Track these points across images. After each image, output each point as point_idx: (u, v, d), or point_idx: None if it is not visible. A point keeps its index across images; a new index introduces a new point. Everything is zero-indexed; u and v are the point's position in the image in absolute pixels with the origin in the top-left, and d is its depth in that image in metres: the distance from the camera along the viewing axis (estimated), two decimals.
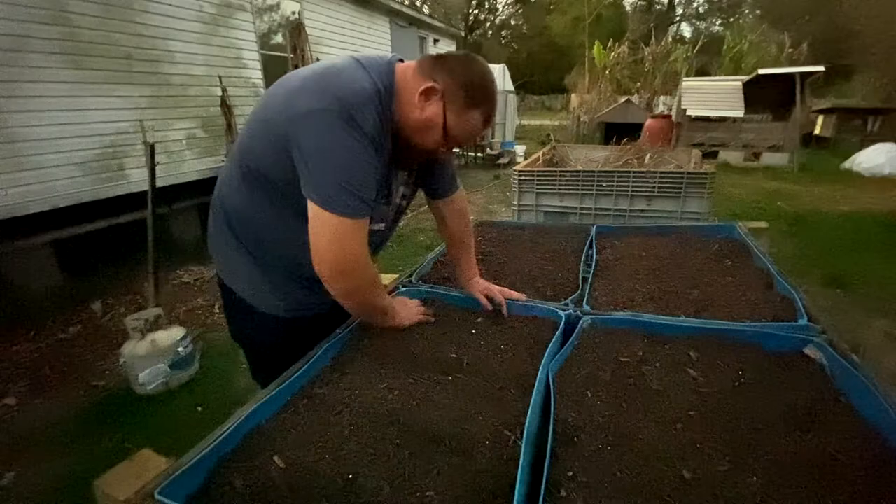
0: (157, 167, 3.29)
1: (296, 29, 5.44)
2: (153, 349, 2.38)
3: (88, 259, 3.72)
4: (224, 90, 4.48)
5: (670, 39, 14.89)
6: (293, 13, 5.77)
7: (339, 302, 0.97)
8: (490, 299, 1.19)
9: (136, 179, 3.88)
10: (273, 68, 5.39)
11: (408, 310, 1.12)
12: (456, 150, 1.11)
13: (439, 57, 0.93)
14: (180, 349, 2.47)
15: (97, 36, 3.58)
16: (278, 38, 5.73)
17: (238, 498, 0.66)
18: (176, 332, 2.51)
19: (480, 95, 0.91)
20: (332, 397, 0.88)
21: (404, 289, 1.31)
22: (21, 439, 2.16)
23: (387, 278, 1.48)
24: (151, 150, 3.17)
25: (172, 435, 2.12)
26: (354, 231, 0.87)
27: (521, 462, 0.66)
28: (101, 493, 0.65)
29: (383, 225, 1.08)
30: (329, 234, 0.85)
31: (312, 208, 0.85)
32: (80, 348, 2.94)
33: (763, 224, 1.75)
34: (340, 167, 0.83)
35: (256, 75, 5.24)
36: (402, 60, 0.96)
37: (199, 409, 2.34)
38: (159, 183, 3.39)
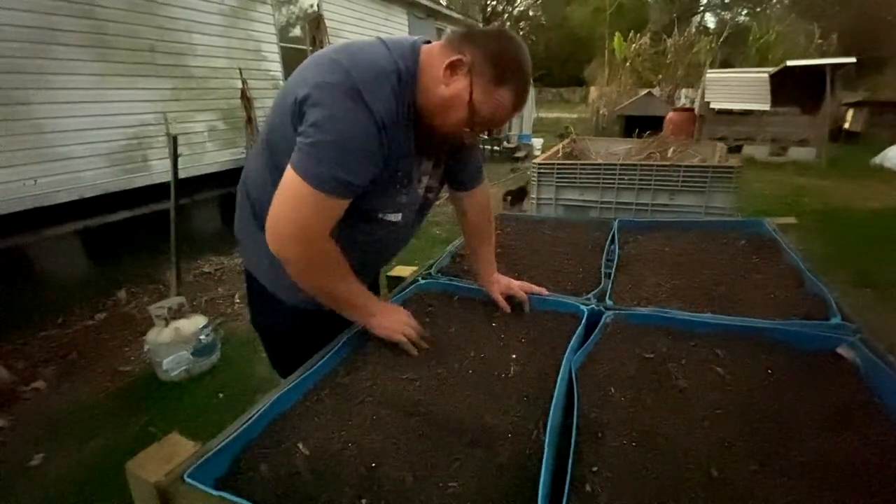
0: (179, 159, 3.35)
1: (315, 21, 5.45)
2: (176, 337, 2.43)
3: (113, 248, 3.82)
4: (244, 82, 4.52)
5: (694, 30, 14.54)
6: (312, 5, 5.79)
7: (301, 286, 0.91)
8: (510, 298, 1.17)
9: (159, 171, 3.97)
10: (292, 61, 5.43)
11: (390, 319, 0.99)
12: (481, 135, 1.01)
13: (470, 30, 0.88)
14: (202, 337, 2.52)
15: (122, 29, 3.65)
16: (297, 31, 5.76)
17: (264, 483, 0.67)
18: (198, 321, 2.56)
19: (512, 72, 0.84)
20: (354, 387, 0.88)
21: (424, 282, 1.31)
22: (50, 422, 2.24)
23: (405, 271, 1.48)
24: (174, 142, 3.23)
25: (195, 420, 2.18)
26: (317, 203, 0.80)
27: (545, 456, 0.65)
28: (133, 475, 0.66)
29: (399, 216, 1.00)
30: (289, 195, 0.81)
31: (287, 169, 0.81)
32: (107, 335, 3.03)
33: (791, 220, 1.69)
34: (330, 140, 0.78)
35: (276, 68, 5.28)
36: (429, 42, 0.91)
37: (221, 395, 2.39)
38: (181, 174, 3.46)
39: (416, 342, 0.98)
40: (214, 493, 0.62)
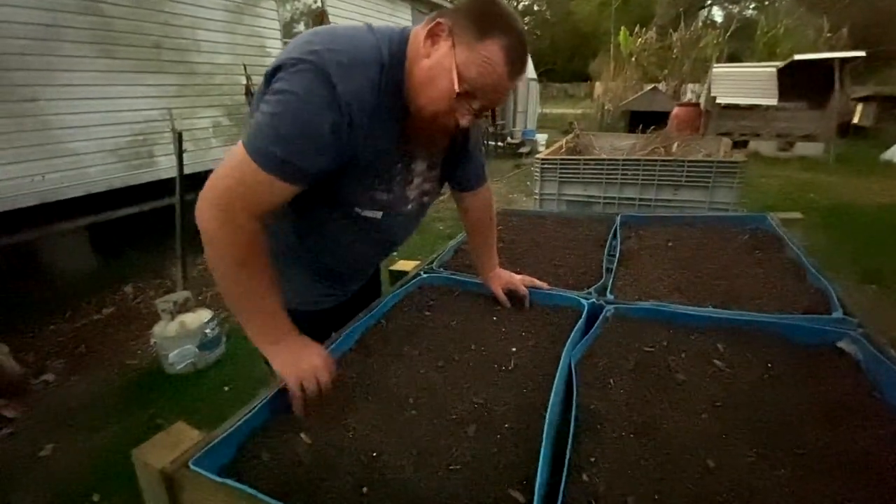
0: (184, 154, 3.37)
1: (318, 17, 5.46)
2: (182, 330, 2.46)
3: (120, 244, 3.86)
4: (248, 78, 4.53)
5: (700, 24, 14.38)
6: (315, 1, 5.79)
7: (214, 275, 0.80)
8: (512, 293, 1.17)
9: (165, 166, 3.99)
10: None
11: (298, 357, 0.82)
12: (481, 120, 0.92)
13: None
14: (208, 331, 2.55)
15: (127, 25, 3.67)
16: (301, 27, 5.76)
17: (267, 471, 0.68)
18: (203, 315, 2.58)
19: (497, 23, 0.75)
20: (356, 379, 0.89)
21: (426, 275, 1.31)
22: (59, 413, 2.28)
23: (407, 265, 1.49)
24: (179, 138, 3.25)
25: (201, 412, 2.20)
26: (249, 174, 0.73)
27: (542, 445, 0.66)
28: (139, 462, 0.68)
29: (380, 214, 0.95)
30: (226, 160, 0.76)
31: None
32: (114, 329, 3.07)
33: (797, 215, 1.68)
34: (279, 113, 0.73)
35: None
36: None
37: (226, 388, 2.42)
38: (186, 170, 3.48)
39: (310, 400, 0.80)
40: (218, 479, 0.63)
